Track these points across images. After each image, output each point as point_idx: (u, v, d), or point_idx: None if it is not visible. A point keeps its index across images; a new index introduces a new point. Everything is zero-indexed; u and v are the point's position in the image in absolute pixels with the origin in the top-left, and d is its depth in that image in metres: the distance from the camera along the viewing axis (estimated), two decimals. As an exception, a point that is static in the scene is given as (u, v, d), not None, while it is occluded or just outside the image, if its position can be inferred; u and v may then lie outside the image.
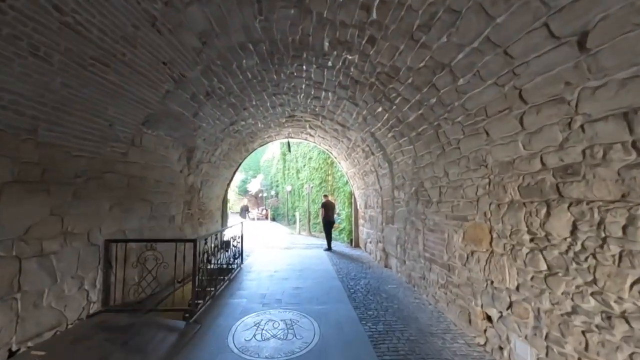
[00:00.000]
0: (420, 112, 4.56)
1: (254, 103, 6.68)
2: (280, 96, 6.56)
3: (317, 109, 7.31)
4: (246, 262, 8.44)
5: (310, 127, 9.08)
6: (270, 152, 35.93)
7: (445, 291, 4.56)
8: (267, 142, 10.79)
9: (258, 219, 27.90)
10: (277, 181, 30.01)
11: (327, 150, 11.05)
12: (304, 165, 19.75)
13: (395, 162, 6.57)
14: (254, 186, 35.73)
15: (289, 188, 22.86)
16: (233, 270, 7.28)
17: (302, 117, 8.05)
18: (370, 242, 9.09)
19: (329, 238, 10.58)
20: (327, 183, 16.39)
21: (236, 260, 7.76)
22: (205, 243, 5.12)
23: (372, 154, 7.56)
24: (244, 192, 38.10)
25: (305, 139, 10.76)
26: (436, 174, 4.79)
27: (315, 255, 9.34)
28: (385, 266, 7.61)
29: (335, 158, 11.15)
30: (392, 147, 6.43)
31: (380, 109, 5.56)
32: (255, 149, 10.86)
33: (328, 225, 10.76)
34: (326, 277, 6.77)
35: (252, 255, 9.46)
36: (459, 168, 4.14)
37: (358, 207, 10.84)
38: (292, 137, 10.78)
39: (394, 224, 7.00)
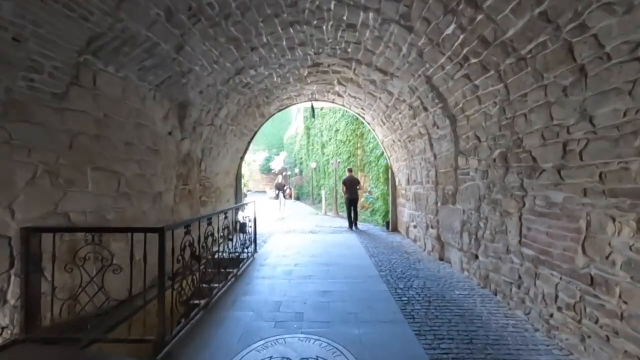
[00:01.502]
0: (538, 11, 2.58)
1: (264, 40, 4.86)
2: (300, 27, 4.69)
3: (349, 50, 5.39)
4: (261, 251, 6.85)
5: (340, 83, 7.17)
6: (293, 128, 34.19)
7: (579, 318, 2.69)
8: (287, 106, 8.98)
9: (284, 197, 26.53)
10: (301, 158, 28.35)
11: (358, 114, 9.12)
12: (330, 139, 17.88)
13: (463, 117, 4.61)
14: (277, 164, 34.29)
15: (313, 165, 21.14)
16: (243, 263, 5.70)
17: (329, 65, 6.14)
18: (416, 227, 7.24)
19: (350, 216, 9.78)
20: (357, 157, 14.50)
21: (248, 249, 6.17)
22: (187, 233, 3.46)
23: (424, 109, 5.60)
24: (267, 170, 36.81)
25: (333, 101, 8.85)
26: (559, 120, 2.84)
27: (346, 243, 7.62)
28: (441, 259, 5.78)
29: (369, 124, 9.21)
30: (458, 95, 4.46)
31: (451, 29, 3.59)
32: (273, 114, 9.09)
33: (351, 202, 9.74)
34: (363, 274, 5.05)
35: (269, 241, 7.87)
36: (627, 102, 2.20)
37: (397, 184, 8.95)
38: (316, 99, 8.90)
39: (457, 204, 5.11)
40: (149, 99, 4.38)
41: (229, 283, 4.70)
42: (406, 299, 4.00)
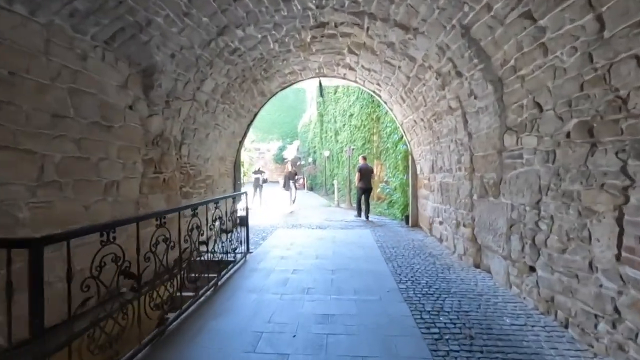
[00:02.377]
0: None
1: (249, -16, 3.72)
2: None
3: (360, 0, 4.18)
4: (258, 250, 5.81)
5: (351, 51, 5.96)
6: (307, 116, 33.01)
7: None
8: (290, 83, 7.82)
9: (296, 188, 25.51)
10: (315, 147, 27.22)
11: (374, 92, 7.88)
12: (344, 125, 16.64)
13: (515, 79, 3.36)
14: (290, 153, 33.29)
15: (326, 153, 19.97)
16: (230, 267, 4.68)
17: (336, 25, 4.94)
18: (442, 223, 6.03)
19: (359, 204, 9.47)
20: (372, 144, 13.25)
21: (237, 250, 5.14)
22: (105, 243, 2.39)
23: (458, 75, 4.35)
24: (280, 160, 35.90)
25: (344, 77, 7.64)
26: None
27: (358, 241, 6.49)
28: (476, 266, 4.59)
29: (385, 104, 7.96)
30: (510, 48, 3.22)
31: None
32: (275, 93, 7.95)
33: (364, 192, 9.30)
34: (378, 287, 3.92)
35: (270, 237, 6.83)
36: None
37: (418, 172, 7.71)
38: (324, 75, 7.70)
39: (501, 197, 3.88)
40: (95, 59, 3.32)
41: (200, 299, 3.66)
42: (437, 330, 2.86)
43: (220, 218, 4.81)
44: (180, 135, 5.06)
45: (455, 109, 4.83)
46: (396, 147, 9.96)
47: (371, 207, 11.86)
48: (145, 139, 4.21)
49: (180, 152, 5.12)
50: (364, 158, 9.81)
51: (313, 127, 28.07)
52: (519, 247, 3.52)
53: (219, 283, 4.16)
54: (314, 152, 27.61)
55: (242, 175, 8.22)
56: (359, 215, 9.43)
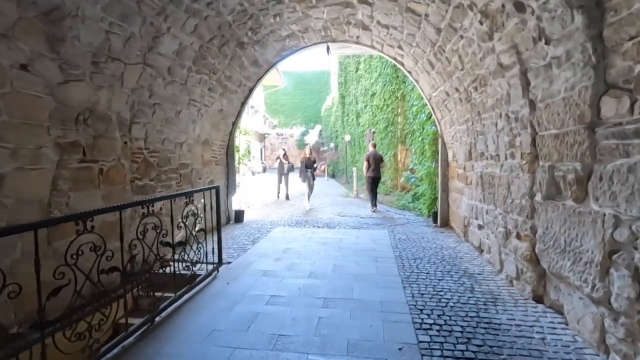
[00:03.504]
0: None
1: None
2: None
3: None
4: (239, 260, 4.57)
5: (362, 1, 4.48)
6: (330, 99, 31.39)
7: None
8: (292, 50, 6.44)
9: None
10: (336, 131, 25.73)
11: (394, 60, 6.33)
12: (365, 106, 15.02)
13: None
14: (311, 138, 31.93)
15: (347, 138, 18.47)
16: (187, 289, 3.47)
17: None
18: (482, 228, 4.52)
19: (373, 197, 8.70)
20: (396, 126, 11.64)
21: (208, 261, 3.92)
22: None
23: (519, 9, 2.78)
24: (303, 146, 34.65)
25: (357, 40, 6.14)
26: None
27: (370, 248, 5.12)
28: (537, 300, 3.11)
29: (409, 74, 6.38)
30: None
31: None
32: (274, 64, 6.61)
33: (374, 182, 8.63)
34: (388, 340, 2.56)
35: (262, 240, 5.58)
36: None
37: (451, 159, 6.16)
38: (333, 39, 6.23)
39: (591, 203, 2.36)
40: None
41: (123, 343, 2.47)
42: None
43: (195, 215, 3.61)
44: (130, 112, 3.83)
45: (508, 66, 3.27)
46: (423, 128, 8.36)
47: (394, 199, 10.39)
48: (59, 115, 3.00)
49: (131, 134, 3.90)
50: (374, 145, 9.20)
51: (335, 110, 26.51)
52: (629, 292, 2.02)
53: (159, 317, 2.96)
54: (336, 137, 26.14)
55: (236, 162, 6.98)
56: (374, 206, 8.59)
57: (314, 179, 9.75)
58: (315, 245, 5.20)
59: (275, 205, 9.66)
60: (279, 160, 11.49)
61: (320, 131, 33.22)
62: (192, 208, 3.87)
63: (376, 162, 8.53)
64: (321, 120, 36.19)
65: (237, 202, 7.42)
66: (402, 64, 6.32)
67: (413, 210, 8.31)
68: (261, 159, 32.15)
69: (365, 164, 8.67)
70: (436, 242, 5.33)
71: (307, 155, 9.97)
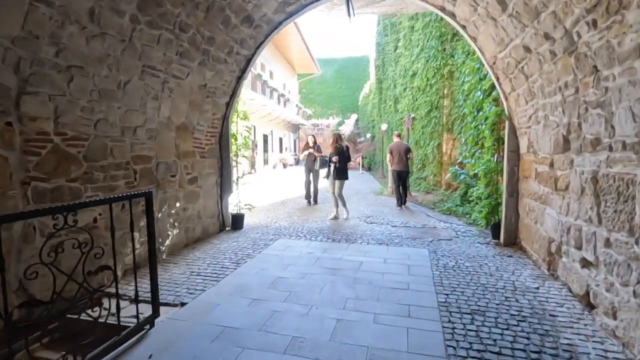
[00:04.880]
0: None
1: None
2: None
3: None
4: (192, 304, 3.05)
5: None
6: (367, 86, 29.31)
7: None
8: (302, 5, 4.83)
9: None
10: (373, 120, 23.75)
11: (442, 9, 4.51)
12: (404, 89, 13.02)
13: None
14: (347, 128, 30.11)
15: (384, 127, 16.53)
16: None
17: None
18: (596, 269, 2.65)
19: (399, 193, 7.78)
20: (441, 111, 9.64)
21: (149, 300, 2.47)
22: None
23: None
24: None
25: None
26: None
27: (402, 282, 3.46)
28: None
29: (463, 29, 4.51)
30: None
31: None
32: (279, 25, 5.05)
33: (400, 176, 7.75)
34: None
35: (250, 262, 4.07)
36: None
37: (523, 150, 4.26)
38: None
39: None
40: None
41: None
42: None
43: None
44: (15, 77, 2.44)
45: None
46: (478, 110, 6.40)
47: (436, 199, 8.49)
48: None
49: (20, 110, 2.52)
50: (398, 135, 8.32)
51: (372, 98, 24.49)
52: None
53: None
54: (372, 127, 24.18)
55: (231, 154, 5.53)
56: (399, 205, 7.70)
57: (342, 176, 6.59)
58: (321, 274, 3.60)
59: (295, 208, 8.14)
60: (308, 152, 8.26)
61: (357, 121, 31.29)
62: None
63: (401, 154, 7.70)
64: (358, 109, 34.19)
65: (249, 199, 6.01)
66: (453, 16, 4.47)
67: (462, 217, 6.42)
68: (294, 151, 30.94)
69: (388, 156, 7.96)
70: (504, 276, 3.51)
71: (337, 144, 6.81)
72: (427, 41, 9.88)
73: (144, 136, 3.75)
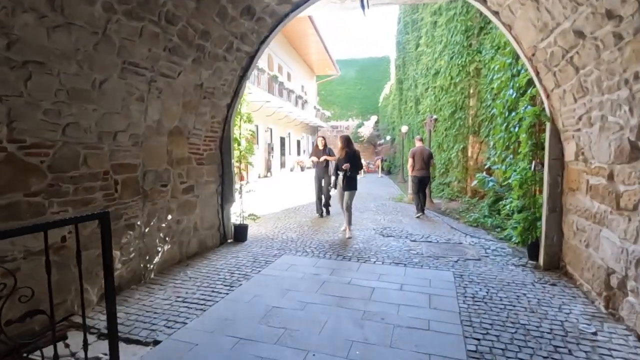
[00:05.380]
0: None
1: None
2: None
3: None
4: (162, 347, 2.61)
5: None
6: (388, 87, 28.51)
7: None
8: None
9: (364, 171, 21.75)
10: (393, 122, 22.99)
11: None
12: (426, 89, 12.29)
13: None
14: (366, 130, 29.41)
15: (404, 129, 15.80)
16: None
17: None
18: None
19: (418, 203, 7.35)
20: (466, 111, 8.91)
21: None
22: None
23: None
24: (357, 139, 32.28)
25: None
26: None
27: (422, 319, 2.87)
28: None
29: (495, 16, 3.86)
30: None
31: None
32: (284, 18, 4.62)
33: (421, 183, 7.31)
34: None
35: (245, 284, 3.57)
36: None
37: (569, 157, 3.57)
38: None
39: None
40: None
41: None
42: None
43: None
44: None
45: None
46: (510, 110, 5.73)
47: (462, 208, 7.79)
48: None
49: None
50: (421, 139, 7.90)
51: (392, 99, 23.74)
52: None
53: None
54: (393, 129, 23.41)
55: (232, 159, 5.07)
56: (420, 212, 7.25)
57: (352, 186, 5.49)
58: (325, 305, 3.05)
59: (308, 217, 7.63)
60: (322, 158, 7.08)
61: (377, 122, 30.53)
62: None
63: (423, 160, 7.20)
64: (378, 111, 33.41)
65: (259, 205, 5.53)
66: (483, 0, 3.83)
67: (492, 231, 5.71)
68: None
69: (410, 161, 7.39)
70: (549, 313, 2.85)
71: (346, 148, 5.59)
72: (451, 37, 9.17)
73: (127, 142, 3.33)
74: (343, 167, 5.44)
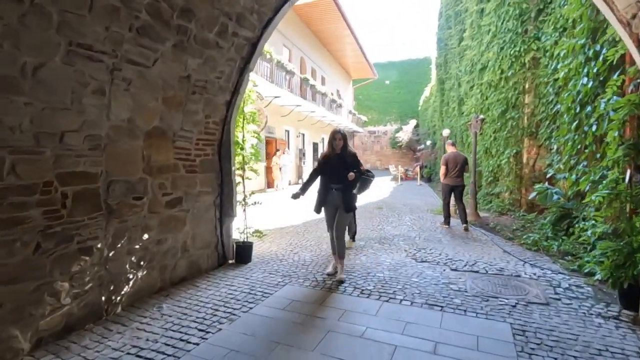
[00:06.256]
0: None
1: None
2: None
3: None
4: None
5: None
6: (429, 89, 26.91)
7: None
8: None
9: (401, 178, 20.29)
10: (434, 125, 21.45)
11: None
12: (471, 88, 10.96)
13: None
14: (404, 135, 27.94)
15: (445, 132, 14.38)
16: None
17: None
18: None
19: (447, 212, 6.68)
20: (521, 110, 7.60)
21: None
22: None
23: None
24: (395, 144, 30.87)
25: None
26: None
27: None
28: None
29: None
30: None
31: None
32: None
33: (452, 191, 6.51)
34: None
35: (224, 330, 2.76)
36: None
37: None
38: None
39: None
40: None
41: None
42: None
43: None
44: None
45: None
46: (583, 105, 4.52)
47: (516, 225, 6.51)
48: None
49: None
50: (453, 144, 6.97)
51: (433, 101, 22.23)
52: None
53: None
54: (433, 133, 21.84)
55: (232, 167, 4.31)
56: (448, 223, 6.75)
57: (349, 204, 3.84)
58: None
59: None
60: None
61: (416, 127, 28.94)
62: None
63: (458, 167, 6.48)
64: (418, 114, 31.74)
65: (276, 218, 4.76)
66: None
67: (559, 259, 4.44)
68: (348, 159, 29.50)
69: (442, 168, 6.63)
70: None
71: (335, 149, 3.80)
72: (502, 24, 7.90)
73: (81, 145, 2.66)
74: (330, 173, 3.83)
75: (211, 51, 3.53)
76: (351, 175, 3.64)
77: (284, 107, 14.69)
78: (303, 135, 18.62)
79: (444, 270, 4.13)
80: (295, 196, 3.85)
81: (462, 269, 4.15)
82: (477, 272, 4.03)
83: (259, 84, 10.49)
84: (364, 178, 3.84)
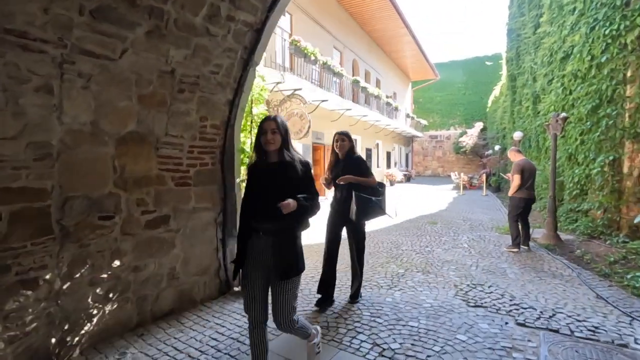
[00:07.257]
0: None
1: None
2: None
3: None
4: None
5: None
6: (498, 88, 24.27)
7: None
8: None
9: (465, 187, 18.21)
10: (504, 128, 19.10)
11: None
12: (550, 81, 9.16)
13: None
14: (469, 139, 25.50)
15: (517, 135, 12.48)
16: None
17: None
18: None
19: (517, 232, 5.53)
20: (619, 105, 5.94)
21: None
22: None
23: None
24: (458, 149, 28.43)
25: None
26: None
27: None
28: None
29: None
30: None
31: None
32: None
33: (527, 205, 5.51)
34: None
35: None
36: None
37: None
38: None
39: None
40: None
41: None
42: None
43: None
44: None
45: None
46: None
47: (612, 255, 4.96)
48: None
49: None
50: (519, 151, 5.85)
51: (503, 101, 19.85)
52: None
53: None
54: (503, 137, 19.45)
55: (237, 178, 3.65)
56: (517, 246, 5.49)
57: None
58: None
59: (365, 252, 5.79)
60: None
61: (483, 130, 26.30)
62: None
63: (533, 177, 5.45)
64: (486, 117, 28.92)
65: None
66: None
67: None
68: (406, 166, 27.81)
69: (516, 178, 5.38)
70: None
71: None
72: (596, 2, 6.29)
73: (22, 155, 2.18)
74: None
75: (201, 39, 2.92)
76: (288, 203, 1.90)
77: (334, 111, 14.00)
78: (356, 140, 17.74)
79: (506, 323, 2.99)
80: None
81: (533, 323, 2.98)
82: (556, 331, 2.83)
83: (302, 88, 10.02)
84: (363, 198, 2.91)
